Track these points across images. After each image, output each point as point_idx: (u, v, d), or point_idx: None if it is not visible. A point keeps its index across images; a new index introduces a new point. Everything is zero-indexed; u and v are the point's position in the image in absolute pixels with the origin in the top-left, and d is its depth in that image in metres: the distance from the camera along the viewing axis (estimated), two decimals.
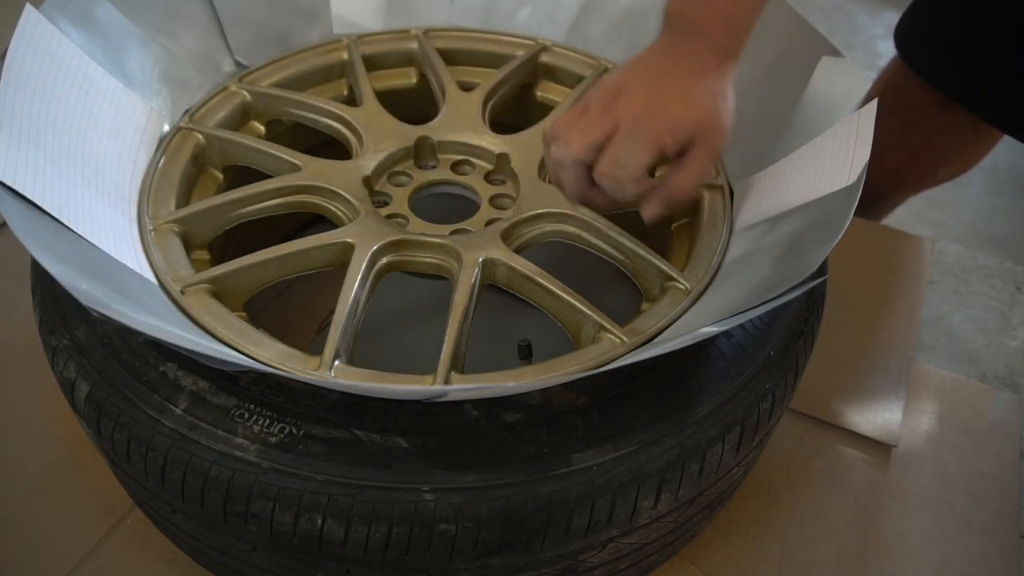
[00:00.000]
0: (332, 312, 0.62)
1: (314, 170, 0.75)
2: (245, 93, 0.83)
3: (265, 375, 0.58)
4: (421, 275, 0.71)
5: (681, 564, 0.75)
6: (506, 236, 0.70)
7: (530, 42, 0.91)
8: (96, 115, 0.72)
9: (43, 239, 0.57)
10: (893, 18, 1.10)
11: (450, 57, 0.90)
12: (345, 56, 0.89)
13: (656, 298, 0.68)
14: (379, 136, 0.79)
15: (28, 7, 0.69)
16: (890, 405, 0.90)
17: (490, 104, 0.85)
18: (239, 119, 0.83)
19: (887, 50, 1.09)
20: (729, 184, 0.76)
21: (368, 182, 0.75)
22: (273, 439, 0.55)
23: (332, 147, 0.82)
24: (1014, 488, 0.85)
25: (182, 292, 0.64)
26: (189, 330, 0.60)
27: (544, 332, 0.73)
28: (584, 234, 0.72)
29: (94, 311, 0.50)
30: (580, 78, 0.88)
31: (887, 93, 1.04)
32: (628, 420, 0.57)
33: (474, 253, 0.67)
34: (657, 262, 0.68)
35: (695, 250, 0.71)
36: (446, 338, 0.61)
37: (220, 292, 0.66)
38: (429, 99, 0.87)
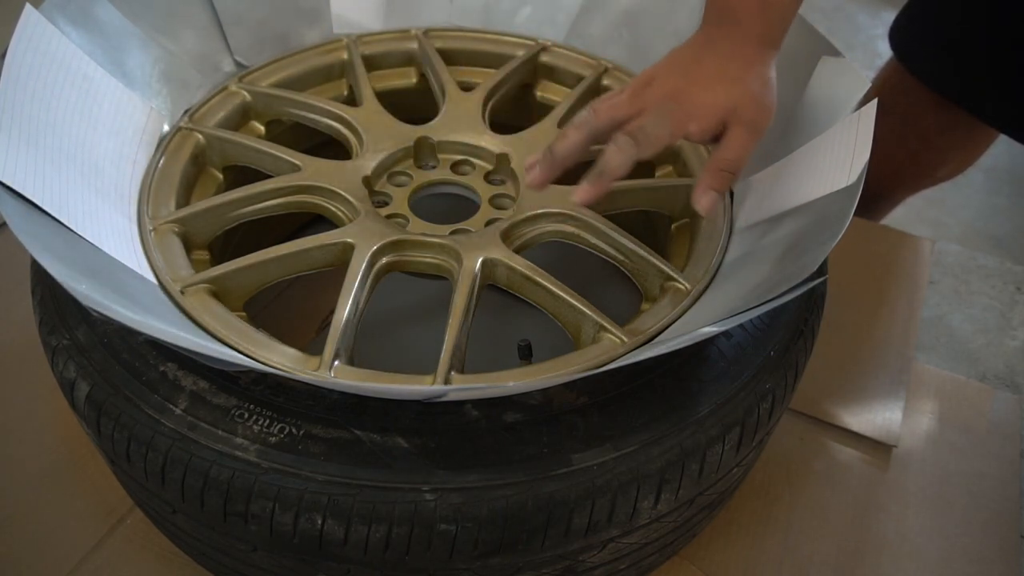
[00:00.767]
0: (332, 312, 0.62)
1: (314, 170, 0.75)
2: (245, 93, 0.83)
3: (265, 375, 0.58)
4: (421, 275, 0.71)
5: (681, 564, 0.75)
6: (506, 236, 0.70)
7: (530, 42, 0.91)
8: (96, 115, 0.72)
9: (43, 239, 0.57)
10: (893, 18, 1.10)
11: (450, 57, 0.90)
12: (345, 56, 0.89)
13: (656, 298, 0.68)
14: (379, 136, 0.79)
15: (28, 7, 0.69)
16: (890, 405, 0.90)
17: (490, 104, 0.85)
18: (239, 119, 0.83)
19: (887, 50, 1.09)
20: None
21: (368, 182, 0.75)
22: (273, 439, 0.55)
23: (332, 147, 0.82)
24: (1014, 488, 0.85)
25: (182, 292, 0.64)
26: (189, 330, 0.60)
27: (544, 332, 0.73)
28: (584, 234, 0.72)
29: (94, 311, 0.50)
30: (580, 78, 0.88)
31: (885, 94, 1.04)
32: (628, 420, 0.57)
33: (474, 253, 0.67)
34: (657, 262, 0.68)
35: (695, 250, 0.71)
36: (446, 338, 0.61)
37: (220, 292, 0.66)
38: (429, 99, 0.87)
